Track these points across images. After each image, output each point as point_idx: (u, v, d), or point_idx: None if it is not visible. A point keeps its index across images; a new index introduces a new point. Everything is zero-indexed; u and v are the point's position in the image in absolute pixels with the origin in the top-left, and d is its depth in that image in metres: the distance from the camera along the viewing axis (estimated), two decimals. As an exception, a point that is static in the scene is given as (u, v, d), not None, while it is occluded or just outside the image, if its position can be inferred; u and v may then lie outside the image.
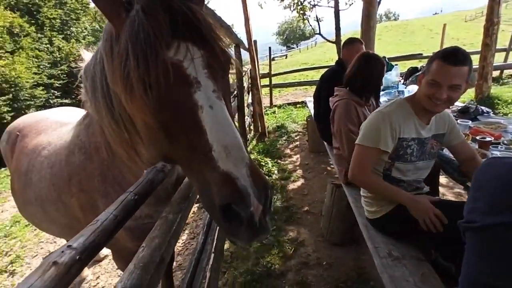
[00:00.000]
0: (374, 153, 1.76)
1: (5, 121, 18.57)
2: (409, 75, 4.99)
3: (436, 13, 78.28)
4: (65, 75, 22.14)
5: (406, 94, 3.99)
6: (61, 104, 20.71)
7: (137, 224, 1.39)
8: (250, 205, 0.66)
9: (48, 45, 22.21)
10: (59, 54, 22.44)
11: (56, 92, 21.32)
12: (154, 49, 0.73)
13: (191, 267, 1.67)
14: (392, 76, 4.52)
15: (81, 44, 24.60)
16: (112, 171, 1.34)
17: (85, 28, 26.45)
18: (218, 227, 2.21)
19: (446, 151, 2.14)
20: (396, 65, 4.96)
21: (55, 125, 2.02)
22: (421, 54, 9.39)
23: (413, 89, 3.86)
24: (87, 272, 3.16)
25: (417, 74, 4.75)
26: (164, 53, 0.75)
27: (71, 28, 25.02)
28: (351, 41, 3.26)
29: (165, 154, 0.87)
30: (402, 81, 5.07)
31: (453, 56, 1.51)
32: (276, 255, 2.90)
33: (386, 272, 1.54)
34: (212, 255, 1.82)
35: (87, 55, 1.31)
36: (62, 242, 3.97)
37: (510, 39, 9.09)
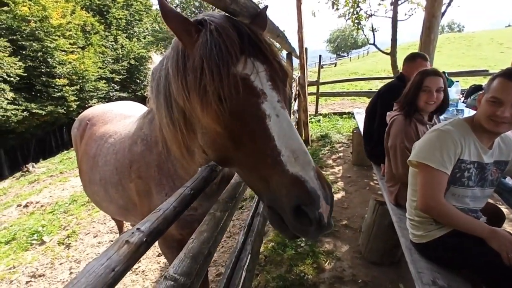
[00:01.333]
0: (444, 178, 1.62)
1: (71, 108, 20.65)
2: (471, 93, 4.63)
3: (509, 25, 71.00)
4: (124, 71, 24.02)
5: (466, 113, 3.72)
6: (119, 97, 22.48)
7: (183, 214, 1.51)
8: (319, 207, 0.73)
9: (113, 43, 24.32)
10: (121, 51, 24.47)
11: (115, 85, 23.21)
12: (226, 64, 0.82)
13: (230, 264, 1.74)
14: (451, 93, 4.22)
15: (141, 43, 26.51)
16: (166, 164, 1.48)
17: (146, 29, 28.50)
18: (257, 229, 2.26)
19: (508, 180, 1.97)
20: (457, 81, 4.62)
21: (120, 117, 2.25)
22: (487, 70, 8.62)
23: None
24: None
25: (480, 92, 4.40)
26: (235, 68, 0.84)
27: (134, 28, 27.12)
28: (413, 56, 3.06)
29: (226, 159, 0.95)
30: (463, 99, 4.72)
31: None
32: (310, 265, 2.87)
33: (428, 300, 1.47)
34: (249, 255, 1.87)
35: (156, 58, 1.46)
36: (111, 224, 4.33)
37: None
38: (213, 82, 0.82)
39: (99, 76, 21.71)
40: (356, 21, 9.74)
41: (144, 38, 27.87)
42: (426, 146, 1.69)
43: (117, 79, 23.10)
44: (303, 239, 3.27)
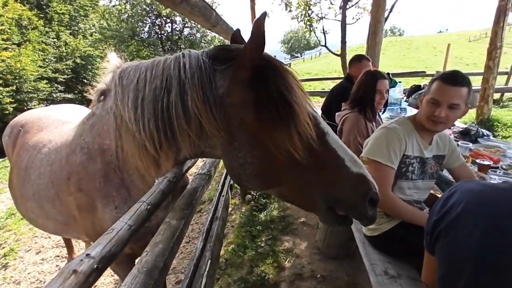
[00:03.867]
0: (391, 172, 1.74)
1: (7, 111, 18.57)
2: (412, 92, 5.04)
3: (440, 31, 78.96)
4: (69, 70, 22.18)
5: (408, 111, 4.03)
6: (64, 99, 20.72)
7: None
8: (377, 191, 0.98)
9: (55, 40, 22.32)
10: (65, 49, 22.53)
11: (59, 86, 21.33)
12: (298, 94, 0.98)
13: (189, 273, 1.67)
14: (395, 93, 4.56)
15: (88, 40, 24.75)
16: (118, 174, 1.36)
17: (93, 25, 26.64)
18: (216, 233, 2.21)
19: (445, 172, 2.16)
20: (400, 82, 5.00)
21: (56, 123, 2.03)
22: (424, 71, 9.48)
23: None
24: (80, 270, 3.15)
25: (420, 92, 4.80)
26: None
27: (79, 24, 25.18)
28: (359, 58, 3.36)
29: (278, 182, 1.05)
30: (405, 98, 5.11)
31: (452, 77, 1.58)
32: (271, 264, 2.90)
33: (381, 290, 1.55)
34: (209, 261, 1.82)
35: (113, 57, 1.38)
36: (56, 237, 3.96)
37: (512, 63, 9.19)
38: (289, 109, 0.95)
39: (40, 76, 19.77)
40: (308, 23, 10.10)
41: (91, 35, 26.02)
42: (375, 143, 1.80)
43: (61, 79, 21.22)
44: (263, 239, 3.31)
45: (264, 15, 0.89)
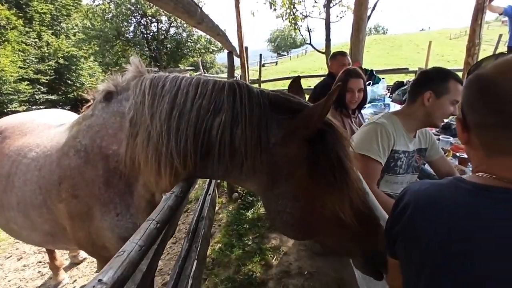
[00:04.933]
0: (379, 167, 1.75)
1: (-15, 115, 17.86)
2: (395, 89, 5.11)
3: (422, 29, 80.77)
4: (52, 71, 21.51)
5: (392, 107, 4.09)
6: (47, 100, 20.13)
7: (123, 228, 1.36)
8: None
9: (36, 40, 21.64)
10: (47, 49, 21.86)
11: (42, 87, 20.67)
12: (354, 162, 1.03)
13: (174, 274, 1.64)
14: (379, 89, 4.62)
15: (71, 40, 24.13)
16: (125, 180, 1.30)
17: (76, 25, 25.97)
18: (203, 233, 2.19)
19: (427, 167, 2.20)
20: (383, 78, 5.07)
21: (43, 127, 1.90)
22: (407, 68, 9.65)
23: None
24: (64, 275, 3.07)
25: (403, 88, 4.88)
26: None
27: (62, 24, 24.49)
28: (334, 55, 3.55)
29: (316, 232, 1.11)
30: (389, 94, 5.19)
31: (459, 77, 1.65)
32: (258, 263, 2.89)
33: (366, 285, 1.56)
34: (195, 262, 1.80)
35: (136, 62, 1.31)
36: (38, 243, 3.83)
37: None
38: (356, 182, 1.00)
39: (20, 77, 19.17)
40: (293, 21, 10.13)
41: (74, 35, 25.36)
42: (365, 138, 1.81)
43: (43, 80, 20.53)
44: (250, 237, 3.30)
45: (337, 89, 0.94)
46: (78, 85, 22.34)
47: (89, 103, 1.43)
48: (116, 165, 1.27)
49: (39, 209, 1.52)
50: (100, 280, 0.65)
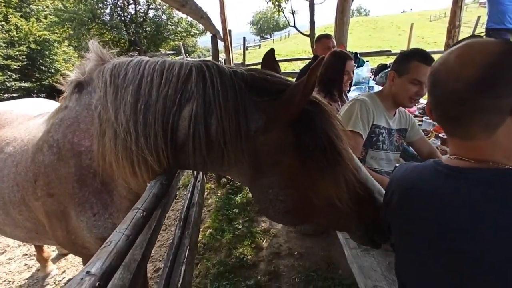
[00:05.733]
0: (359, 140, 1.78)
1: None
2: (379, 71, 5.17)
3: (404, 11, 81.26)
4: (24, 57, 20.30)
5: (376, 89, 4.15)
6: (20, 88, 19.13)
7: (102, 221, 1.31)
8: None
9: (3, 23, 20.28)
10: (16, 33, 20.54)
11: (14, 74, 19.54)
12: (345, 141, 0.97)
13: (168, 261, 1.65)
14: (363, 72, 4.66)
15: (43, 23, 22.81)
16: (100, 178, 1.21)
17: (47, 7, 24.49)
18: (194, 219, 2.20)
19: (411, 148, 2.27)
20: (367, 61, 5.11)
21: (22, 118, 1.78)
22: (390, 51, 9.75)
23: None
24: (52, 266, 3.02)
25: (387, 70, 4.94)
26: None
27: (31, 6, 23.02)
28: (319, 38, 3.53)
29: (311, 217, 1.09)
30: (373, 77, 5.24)
31: (428, 57, 1.65)
32: (249, 246, 2.94)
33: (355, 262, 1.62)
34: (187, 249, 1.81)
35: (95, 48, 1.17)
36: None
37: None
38: (350, 162, 0.96)
39: (-12, 64, 18.10)
40: (277, 3, 9.94)
41: (46, 18, 23.95)
42: (346, 114, 1.85)
43: (14, 66, 19.44)
44: (240, 221, 3.34)
45: (320, 63, 0.84)
46: (53, 71, 21.19)
47: (64, 94, 1.32)
48: (89, 163, 1.18)
49: (18, 207, 1.45)
50: (88, 272, 0.64)
